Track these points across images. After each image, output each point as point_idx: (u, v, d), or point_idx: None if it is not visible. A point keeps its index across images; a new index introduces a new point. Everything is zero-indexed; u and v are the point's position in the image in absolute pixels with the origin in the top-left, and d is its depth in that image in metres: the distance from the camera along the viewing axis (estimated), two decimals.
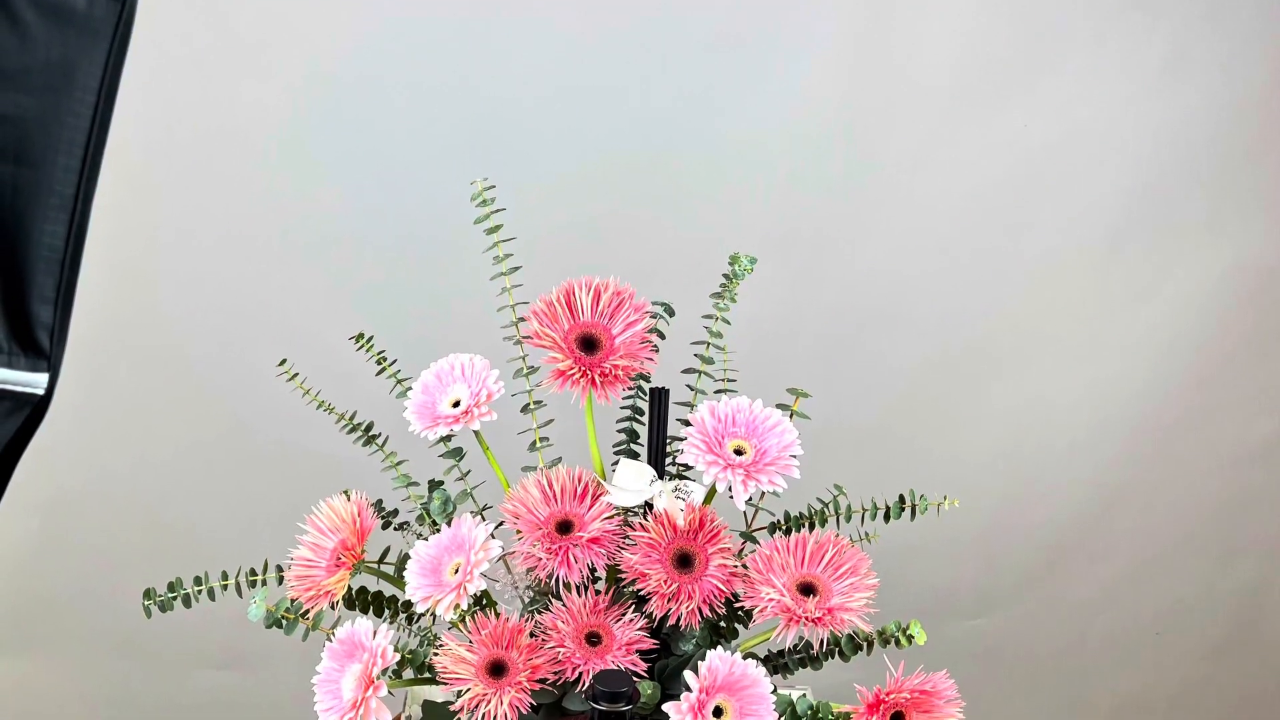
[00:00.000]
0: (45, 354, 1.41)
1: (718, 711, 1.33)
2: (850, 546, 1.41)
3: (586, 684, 1.34)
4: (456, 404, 1.48)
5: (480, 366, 1.50)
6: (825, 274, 2.50)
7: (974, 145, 2.44)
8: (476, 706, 1.33)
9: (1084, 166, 2.48)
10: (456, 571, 1.38)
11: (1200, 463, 2.70)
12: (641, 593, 1.38)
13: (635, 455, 1.56)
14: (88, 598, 2.50)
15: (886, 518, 1.51)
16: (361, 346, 1.61)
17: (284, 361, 1.60)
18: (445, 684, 1.36)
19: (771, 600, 1.36)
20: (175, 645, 2.52)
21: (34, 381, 1.41)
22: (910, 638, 1.37)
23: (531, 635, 1.38)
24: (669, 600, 1.36)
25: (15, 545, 2.43)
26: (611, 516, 1.41)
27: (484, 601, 1.46)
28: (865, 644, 1.40)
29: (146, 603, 1.49)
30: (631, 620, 1.39)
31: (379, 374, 1.60)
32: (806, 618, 1.35)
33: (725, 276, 1.57)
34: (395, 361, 1.60)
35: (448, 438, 1.51)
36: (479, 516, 1.44)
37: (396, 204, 2.38)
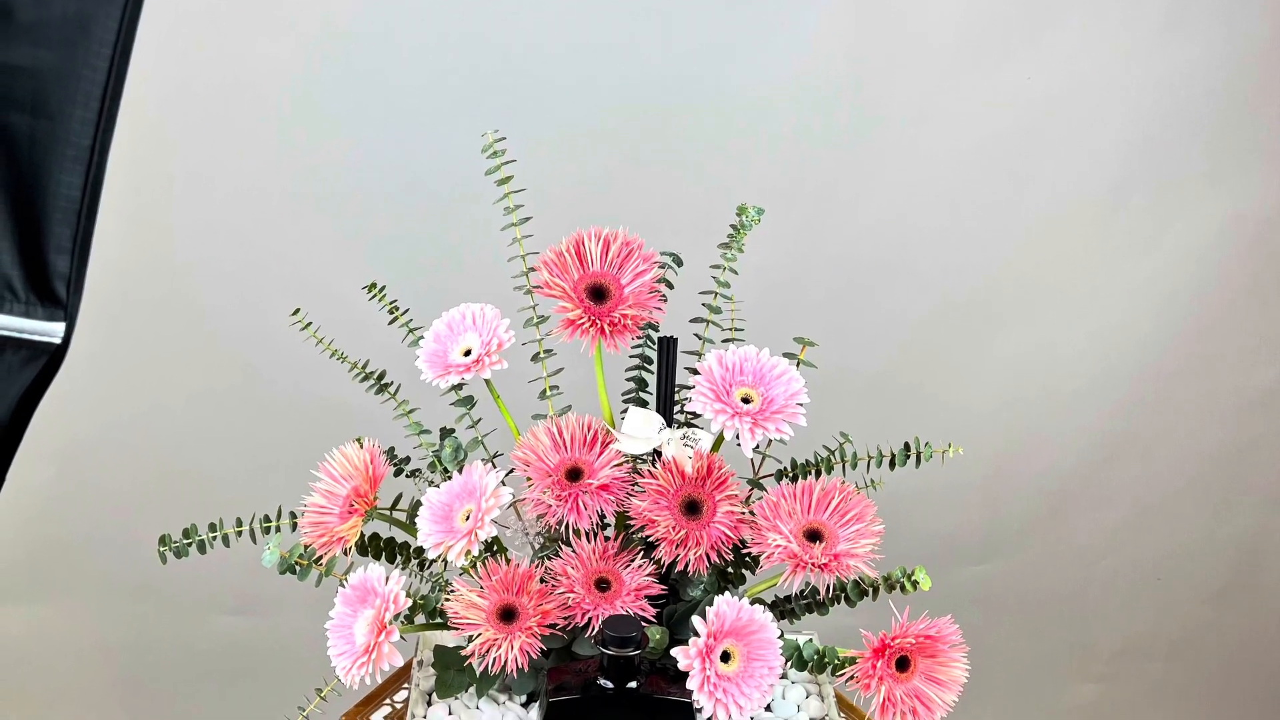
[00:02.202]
0: (62, 303, 1.43)
1: (725, 656, 1.34)
2: (856, 493, 1.42)
3: (596, 629, 1.36)
4: (468, 353, 1.49)
5: (491, 316, 1.51)
6: (831, 225, 2.50)
7: (978, 98, 2.43)
8: (487, 651, 1.35)
9: (1086, 119, 2.47)
10: (468, 518, 1.39)
11: (1201, 411, 2.70)
12: (650, 539, 1.39)
13: (644, 403, 1.57)
14: (104, 544, 2.51)
15: (892, 465, 1.52)
16: (374, 296, 1.62)
17: (297, 311, 1.61)
18: (456, 629, 1.37)
19: (778, 546, 1.37)
20: (190, 591, 2.54)
21: (51, 330, 1.43)
22: (915, 583, 1.38)
23: (542, 581, 1.39)
24: (677, 546, 1.38)
25: (32, 492, 2.44)
26: (620, 464, 1.42)
27: (495, 548, 1.48)
28: (870, 589, 1.41)
29: (162, 549, 1.50)
30: (640, 566, 1.40)
31: (391, 323, 1.61)
32: (813, 564, 1.36)
33: (733, 227, 1.58)
34: (407, 311, 1.61)
35: (459, 386, 1.52)
36: (490, 464, 1.44)
37: (408, 156, 2.38)
